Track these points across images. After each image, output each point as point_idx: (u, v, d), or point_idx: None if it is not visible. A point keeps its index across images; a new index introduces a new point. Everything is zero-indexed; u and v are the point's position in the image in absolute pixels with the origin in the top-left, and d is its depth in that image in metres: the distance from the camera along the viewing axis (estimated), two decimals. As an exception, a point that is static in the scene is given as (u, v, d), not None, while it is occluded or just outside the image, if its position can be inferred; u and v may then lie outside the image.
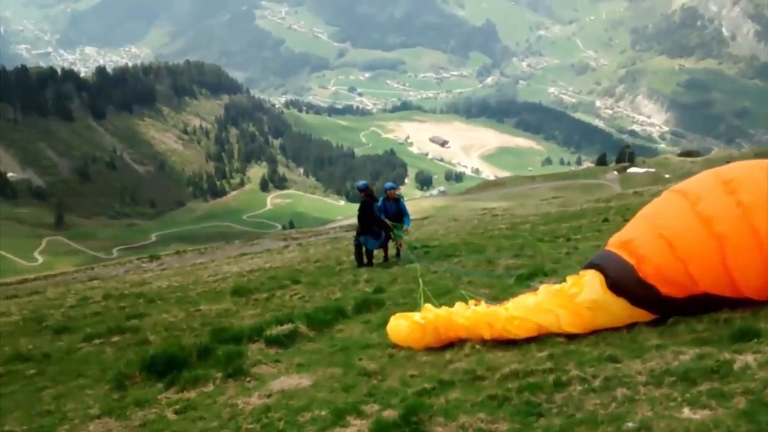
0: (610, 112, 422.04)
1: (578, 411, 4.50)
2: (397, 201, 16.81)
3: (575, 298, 6.48)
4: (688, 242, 5.99)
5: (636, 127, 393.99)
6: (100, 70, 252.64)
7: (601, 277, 6.40)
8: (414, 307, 9.47)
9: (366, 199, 16.37)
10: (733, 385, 4.36)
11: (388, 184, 17.33)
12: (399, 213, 16.60)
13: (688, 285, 6.01)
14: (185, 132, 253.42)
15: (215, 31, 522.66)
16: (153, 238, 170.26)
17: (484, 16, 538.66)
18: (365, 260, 16.75)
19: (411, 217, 18.38)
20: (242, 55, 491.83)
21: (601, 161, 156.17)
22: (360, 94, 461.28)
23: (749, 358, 4.77)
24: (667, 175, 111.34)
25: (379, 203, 16.49)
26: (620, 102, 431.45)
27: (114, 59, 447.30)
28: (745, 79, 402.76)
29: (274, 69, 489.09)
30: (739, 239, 5.76)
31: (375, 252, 17.12)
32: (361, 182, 17.35)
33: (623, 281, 6.23)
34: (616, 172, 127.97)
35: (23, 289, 28.98)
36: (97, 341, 10.11)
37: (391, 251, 17.30)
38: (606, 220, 20.74)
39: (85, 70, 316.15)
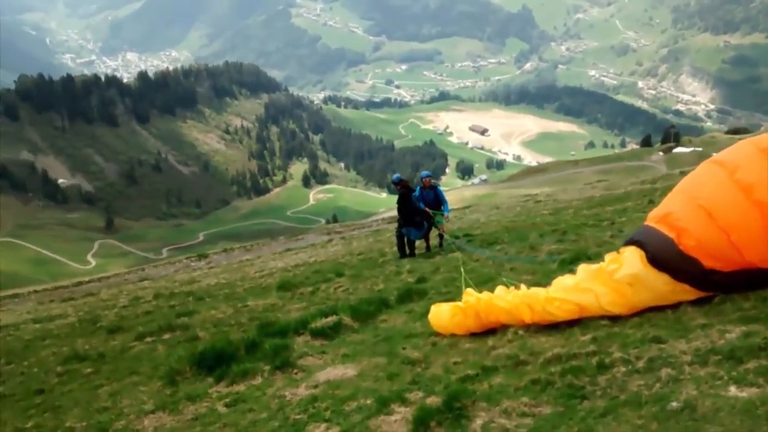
0: (653, 92, 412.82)
1: (622, 392, 4.48)
2: (434, 189, 16.81)
3: (614, 275, 6.32)
4: (728, 211, 5.79)
5: (681, 107, 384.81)
6: (142, 75, 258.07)
7: (641, 252, 6.24)
8: (457, 295, 9.49)
9: (403, 191, 16.41)
10: (780, 363, 4.29)
11: (424, 173, 17.37)
12: (437, 201, 16.61)
13: (733, 256, 5.81)
14: (227, 132, 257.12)
15: (252, 31, 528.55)
16: (200, 237, 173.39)
17: (520, 2, 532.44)
18: (408, 251, 16.80)
19: (452, 207, 18.38)
20: (279, 54, 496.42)
21: (646, 142, 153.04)
22: (397, 87, 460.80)
23: (797, 334, 4.68)
24: (714, 154, 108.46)
25: (417, 193, 16.51)
26: (663, 82, 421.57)
27: (155, 63, 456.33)
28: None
29: (311, 66, 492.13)
30: None
31: (417, 243, 17.16)
32: (396, 175, 17.38)
33: (664, 255, 6.06)
34: (661, 153, 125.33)
35: (78, 292, 29.83)
36: (148, 339, 10.40)
37: (433, 241, 17.31)
38: (651, 201, 20.29)
39: (127, 76, 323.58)
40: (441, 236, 17.12)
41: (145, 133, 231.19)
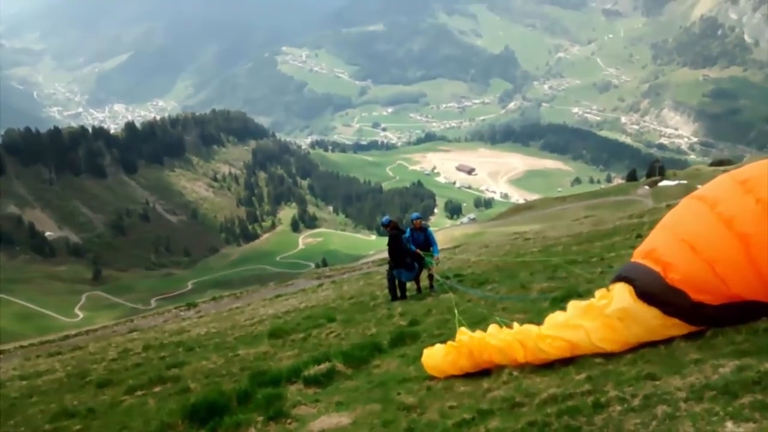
0: (637, 127, 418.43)
1: (619, 432, 4.45)
2: (425, 230, 16.85)
3: (605, 310, 6.34)
4: (711, 244, 5.87)
5: (664, 140, 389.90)
6: (129, 126, 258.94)
7: (630, 287, 6.28)
8: (450, 337, 9.45)
9: (393, 233, 16.43)
10: (775, 396, 4.28)
11: (414, 215, 17.41)
12: (427, 242, 16.64)
13: (720, 288, 5.84)
14: (215, 179, 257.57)
15: (238, 80, 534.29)
16: (189, 286, 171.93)
17: (502, 44, 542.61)
18: (399, 294, 16.75)
19: (441, 247, 18.45)
20: (266, 101, 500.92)
21: (632, 177, 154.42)
22: (384, 129, 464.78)
23: (791, 367, 4.68)
24: (699, 186, 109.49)
25: (407, 234, 16.55)
26: (646, 117, 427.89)
27: (142, 114, 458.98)
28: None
29: (297, 111, 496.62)
30: (762, 236, 5.67)
31: (408, 284, 17.13)
32: (385, 218, 17.43)
33: (652, 289, 6.09)
34: (647, 187, 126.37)
35: (66, 346, 29.41)
36: (139, 393, 10.25)
37: (424, 282, 17.28)
38: (639, 236, 20.42)
39: (114, 127, 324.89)
40: (431, 277, 17.10)
41: (133, 183, 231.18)
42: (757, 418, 4.07)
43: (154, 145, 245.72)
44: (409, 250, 16.30)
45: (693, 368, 5.24)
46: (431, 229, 17.70)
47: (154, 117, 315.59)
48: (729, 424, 4.07)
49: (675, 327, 6.13)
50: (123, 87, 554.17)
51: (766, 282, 5.74)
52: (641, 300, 6.16)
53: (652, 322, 6.14)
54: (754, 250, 5.68)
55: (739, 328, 5.85)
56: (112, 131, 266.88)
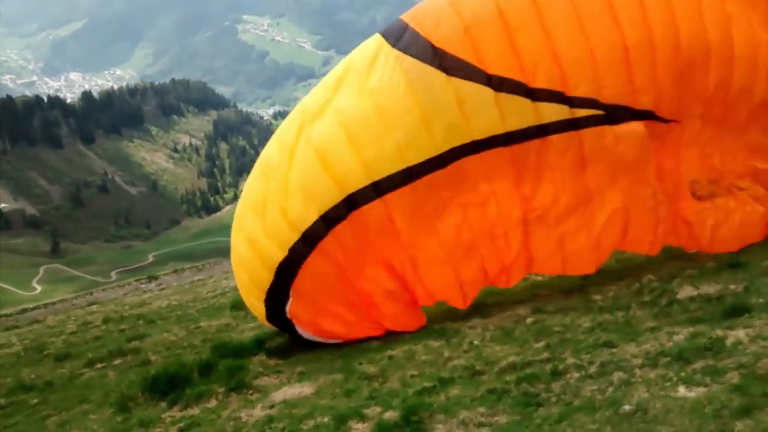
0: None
1: (576, 398, 4.55)
2: None
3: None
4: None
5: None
6: (86, 95, 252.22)
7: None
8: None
9: None
10: (726, 361, 4.42)
11: None
12: None
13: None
14: (175, 150, 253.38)
15: (199, 48, 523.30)
16: (150, 258, 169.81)
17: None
18: None
19: None
20: (227, 70, 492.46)
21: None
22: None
23: (741, 333, 4.83)
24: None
25: None
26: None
27: (99, 83, 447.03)
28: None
29: (259, 82, 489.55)
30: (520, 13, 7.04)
31: None
32: None
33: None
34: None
35: (23, 319, 28.91)
36: (99, 366, 10.10)
37: None
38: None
39: (71, 96, 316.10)
40: None
41: (91, 153, 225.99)
42: (707, 382, 4.20)
43: (112, 115, 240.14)
44: None
45: (649, 336, 5.38)
46: None
47: (112, 86, 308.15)
48: (681, 389, 4.20)
49: None
50: (79, 55, 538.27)
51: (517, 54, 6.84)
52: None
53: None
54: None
55: (694, 296, 6.01)
56: (68, 101, 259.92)
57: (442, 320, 7.97)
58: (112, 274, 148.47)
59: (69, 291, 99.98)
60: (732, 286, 6.16)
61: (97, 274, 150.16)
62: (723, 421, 3.64)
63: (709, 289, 6.25)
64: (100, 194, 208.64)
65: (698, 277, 6.94)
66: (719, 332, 4.92)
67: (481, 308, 8.15)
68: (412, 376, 6.06)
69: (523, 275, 7.98)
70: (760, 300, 5.65)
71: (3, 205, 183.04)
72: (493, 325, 7.21)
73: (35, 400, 8.54)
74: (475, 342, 6.65)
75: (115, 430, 6.34)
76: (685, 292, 6.36)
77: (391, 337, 7.85)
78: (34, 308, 36.89)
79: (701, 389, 4.12)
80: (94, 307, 26.85)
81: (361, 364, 6.91)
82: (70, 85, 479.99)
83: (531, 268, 7.86)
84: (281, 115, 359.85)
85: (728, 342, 4.71)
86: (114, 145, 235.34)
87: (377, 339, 7.95)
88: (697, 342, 4.86)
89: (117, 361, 10.21)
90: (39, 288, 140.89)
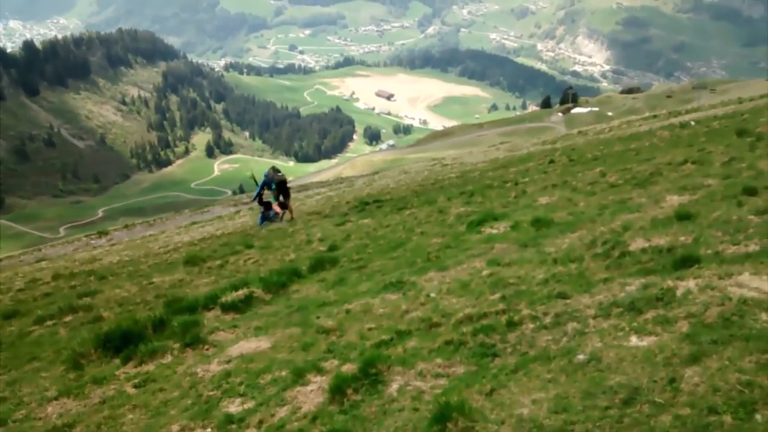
0: (552, 54, 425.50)
1: (531, 348, 4.62)
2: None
3: None
4: None
5: (578, 68, 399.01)
6: (28, 45, 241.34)
7: None
8: (369, 262, 9.52)
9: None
10: (676, 311, 4.52)
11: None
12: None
13: None
14: (123, 103, 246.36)
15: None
16: (100, 213, 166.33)
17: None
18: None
19: (361, 173, 19.43)
20: (176, 19, 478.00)
21: (546, 104, 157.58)
22: (301, 52, 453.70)
23: (691, 283, 4.94)
24: (610, 113, 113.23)
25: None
26: (561, 44, 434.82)
27: (42, 32, 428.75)
28: (681, 14, 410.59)
29: (210, 31, 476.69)
30: None
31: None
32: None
33: None
34: (560, 114, 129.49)
35: (-32, 277, 28.03)
36: (49, 323, 9.88)
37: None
38: (552, 161, 20.96)
39: (11, 46, 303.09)
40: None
41: (35, 106, 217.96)
42: (659, 332, 4.30)
43: (56, 66, 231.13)
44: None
45: (602, 287, 5.47)
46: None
47: (56, 36, 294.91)
48: (633, 339, 4.29)
49: None
50: (18, 2, 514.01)
51: None
52: None
53: None
54: None
55: (645, 248, 6.13)
56: (8, 50, 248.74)
57: (399, 274, 7.98)
58: (61, 229, 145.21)
59: (16, 247, 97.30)
60: (682, 238, 6.30)
61: (45, 230, 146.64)
62: (673, 369, 3.74)
63: (660, 240, 6.37)
64: (46, 148, 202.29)
65: (649, 229, 7.08)
66: (670, 283, 5.03)
67: (437, 262, 8.20)
68: (370, 329, 6.07)
69: None
70: (709, 251, 5.80)
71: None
72: (449, 277, 7.24)
73: (-17, 359, 8.33)
74: (432, 294, 6.69)
75: (68, 387, 6.22)
76: (637, 244, 6.48)
77: (348, 291, 7.84)
78: (-21, 265, 35.73)
79: (652, 338, 4.22)
80: (42, 264, 26.15)
81: (318, 317, 6.88)
82: (10, 34, 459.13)
83: None
84: (233, 67, 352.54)
85: (678, 292, 4.82)
86: (59, 98, 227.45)
87: (334, 293, 7.94)
88: (648, 293, 4.96)
89: (68, 318, 9.99)
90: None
